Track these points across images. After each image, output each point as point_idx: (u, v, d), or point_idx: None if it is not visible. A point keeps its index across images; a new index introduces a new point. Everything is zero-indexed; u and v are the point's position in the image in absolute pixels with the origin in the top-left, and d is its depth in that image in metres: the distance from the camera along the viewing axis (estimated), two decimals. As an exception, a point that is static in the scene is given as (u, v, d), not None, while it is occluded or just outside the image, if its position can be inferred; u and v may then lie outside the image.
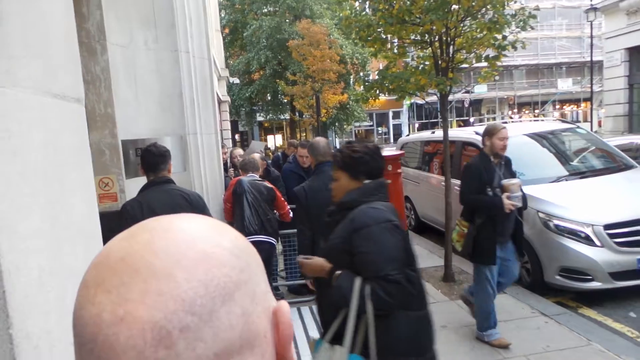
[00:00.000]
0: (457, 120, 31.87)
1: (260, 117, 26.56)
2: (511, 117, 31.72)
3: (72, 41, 0.91)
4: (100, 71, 3.22)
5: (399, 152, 7.19)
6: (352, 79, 22.08)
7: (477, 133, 6.13)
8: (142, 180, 3.47)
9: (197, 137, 4.20)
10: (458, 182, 6.09)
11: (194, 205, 2.78)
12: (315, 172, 3.35)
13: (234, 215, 3.90)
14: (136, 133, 3.75)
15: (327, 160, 3.23)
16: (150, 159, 2.87)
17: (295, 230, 4.75)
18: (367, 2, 5.29)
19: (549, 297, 4.63)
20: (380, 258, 1.78)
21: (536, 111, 33.14)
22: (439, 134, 7.23)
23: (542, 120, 10.13)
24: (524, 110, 34.35)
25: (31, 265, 0.76)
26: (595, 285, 4.30)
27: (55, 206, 0.85)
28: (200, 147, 4.23)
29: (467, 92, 28.88)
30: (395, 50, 5.53)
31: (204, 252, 0.37)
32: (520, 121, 15.03)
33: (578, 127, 6.59)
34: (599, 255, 4.28)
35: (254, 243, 3.81)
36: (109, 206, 3.21)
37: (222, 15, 21.64)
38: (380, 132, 33.74)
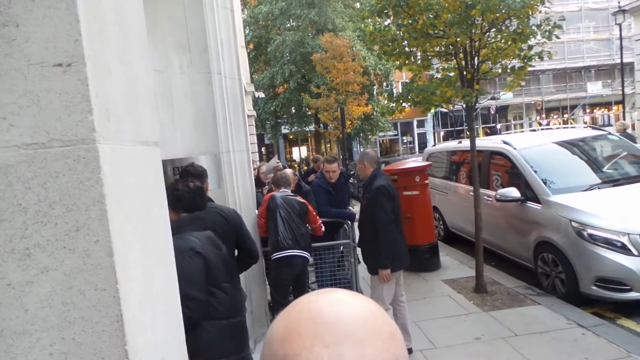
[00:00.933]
0: (483, 128, 31.44)
1: (285, 130, 26.88)
2: (539, 123, 31.11)
3: (151, 90, 1.05)
4: (142, 97, 3.40)
5: (426, 163, 7.23)
6: (375, 90, 22.15)
7: (505, 142, 6.12)
8: (181, 199, 3.60)
9: (230, 154, 4.34)
10: (486, 191, 6.11)
11: (231, 221, 2.89)
12: (376, 177, 3.84)
13: (268, 231, 4.02)
14: (173, 153, 3.93)
15: (379, 167, 4.00)
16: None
17: (325, 243, 4.86)
18: (391, 18, 5.38)
19: (585, 307, 4.55)
20: (182, 281, 2.09)
21: (565, 116, 32.40)
22: (465, 143, 7.23)
23: (573, 126, 9.96)
24: (552, 115, 33.62)
25: (135, 291, 0.89)
26: (633, 295, 4.21)
27: (145, 239, 0.98)
28: (233, 164, 4.36)
29: (493, 98, 28.54)
30: (420, 62, 5.61)
31: (392, 332, 0.48)
32: (549, 128, 14.77)
33: (610, 133, 6.49)
34: (636, 264, 4.19)
35: (288, 258, 3.91)
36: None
37: (247, 31, 22.13)
38: (405, 141, 33.57)
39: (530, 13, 4.64)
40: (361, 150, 27.88)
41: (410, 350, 3.89)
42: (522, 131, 15.39)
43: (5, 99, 0.76)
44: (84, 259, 0.80)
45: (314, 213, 4.26)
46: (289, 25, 22.62)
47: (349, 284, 5.18)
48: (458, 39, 4.74)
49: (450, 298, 5.14)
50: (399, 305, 3.94)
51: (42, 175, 0.77)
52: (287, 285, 4.00)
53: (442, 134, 32.95)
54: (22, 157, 0.77)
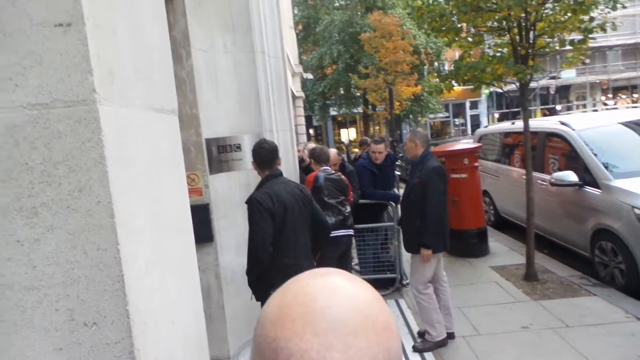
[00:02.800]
0: (541, 109, 29.77)
1: (333, 112, 26.78)
2: (605, 104, 29.02)
3: (168, 58, 1.04)
4: (186, 75, 3.47)
5: (475, 145, 6.95)
6: (426, 70, 21.50)
7: (562, 123, 5.75)
8: (226, 176, 3.70)
9: (274, 134, 4.36)
10: (541, 175, 5.78)
11: (306, 194, 3.08)
12: (427, 157, 3.84)
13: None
14: (218, 132, 3.99)
15: (429, 148, 3.97)
16: (265, 155, 3.07)
17: (368, 225, 4.86)
18: (441, -9, 5.13)
19: (647, 300, 4.25)
20: None
21: (635, 95, 30.01)
22: (519, 124, 6.86)
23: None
24: (619, 95, 31.24)
25: (140, 255, 0.91)
26: (702, 289, 3.88)
27: (156, 205, 0.99)
28: (276, 144, 4.38)
29: (553, 77, 26.84)
30: (470, 39, 5.33)
31: (387, 323, 0.46)
32: (616, 108, 13.72)
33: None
34: None
35: (334, 238, 3.92)
36: (195, 200, 3.49)
37: (295, 12, 22.07)
38: (457, 123, 32.49)
39: (594, -19, 4.27)
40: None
41: (452, 335, 3.81)
42: (585, 112, 14.37)
43: (11, 59, 0.78)
44: (87, 219, 0.82)
45: (350, 190, 4.29)
46: (337, 4, 22.32)
47: (392, 266, 5.13)
48: (512, 12, 4.45)
49: (497, 285, 4.96)
50: (441, 286, 3.88)
51: (47, 136, 0.79)
52: (333, 264, 4.03)
53: (496, 115, 31.56)
54: (27, 118, 0.79)
